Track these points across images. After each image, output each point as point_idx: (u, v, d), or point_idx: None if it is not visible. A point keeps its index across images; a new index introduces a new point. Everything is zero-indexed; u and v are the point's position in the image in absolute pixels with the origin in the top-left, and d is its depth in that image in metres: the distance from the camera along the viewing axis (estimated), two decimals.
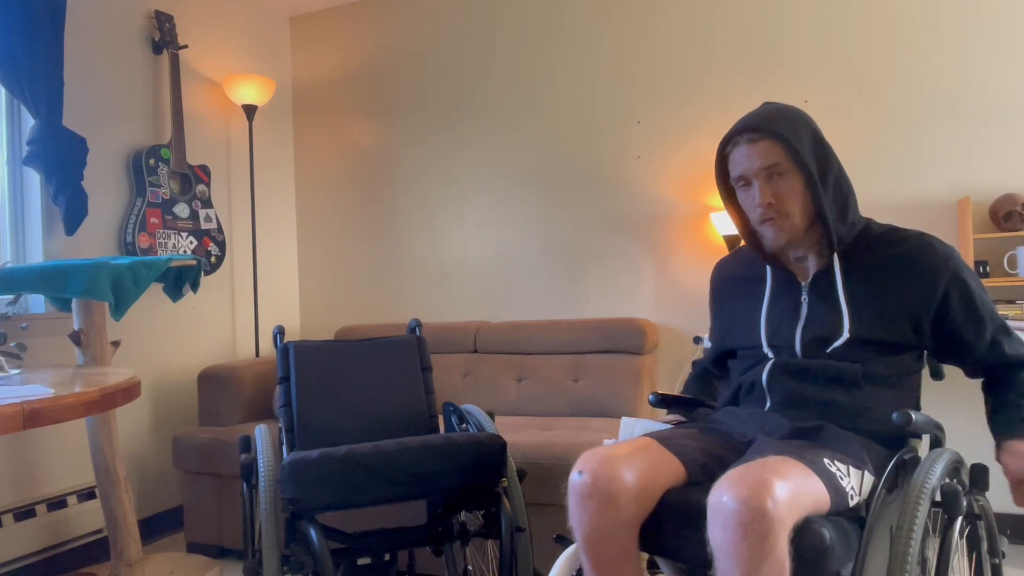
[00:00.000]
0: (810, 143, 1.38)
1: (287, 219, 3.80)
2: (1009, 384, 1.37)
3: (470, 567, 2.11)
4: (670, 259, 3.05)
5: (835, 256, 1.42)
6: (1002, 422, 1.35)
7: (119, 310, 2.15)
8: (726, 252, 2.89)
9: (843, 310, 1.39)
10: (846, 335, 1.37)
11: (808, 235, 1.42)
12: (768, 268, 1.52)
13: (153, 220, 2.93)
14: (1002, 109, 2.58)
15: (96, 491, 2.58)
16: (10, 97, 2.63)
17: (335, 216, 3.73)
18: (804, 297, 1.45)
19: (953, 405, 2.57)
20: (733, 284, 1.61)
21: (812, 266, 1.45)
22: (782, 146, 1.36)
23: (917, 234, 1.41)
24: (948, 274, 1.35)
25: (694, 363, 1.84)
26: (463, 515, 1.98)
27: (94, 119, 2.81)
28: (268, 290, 3.65)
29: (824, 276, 1.43)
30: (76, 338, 2.26)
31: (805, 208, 1.39)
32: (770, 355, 1.47)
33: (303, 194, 3.82)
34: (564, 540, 1.38)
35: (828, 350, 1.39)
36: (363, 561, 1.92)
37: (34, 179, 2.64)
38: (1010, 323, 2.31)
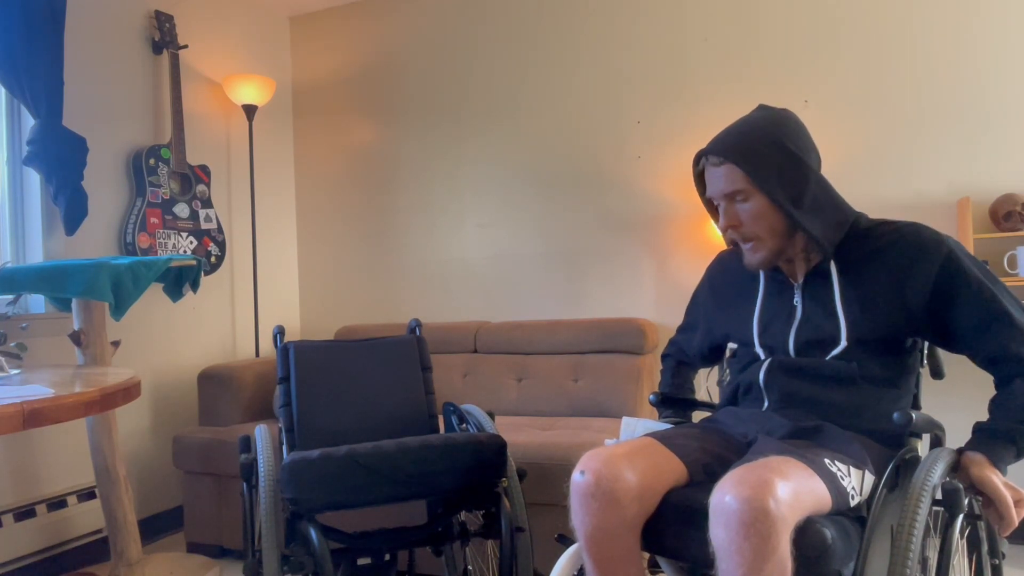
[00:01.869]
0: (778, 165, 1.33)
1: (287, 219, 3.80)
2: (1002, 394, 1.32)
3: (470, 567, 2.10)
4: (670, 259, 3.05)
5: (832, 263, 1.41)
6: (974, 435, 1.31)
7: (119, 310, 2.15)
8: None
9: (840, 317, 1.37)
10: (843, 343, 1.36)
11: (792, 244, 1.41)
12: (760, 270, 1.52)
13: (153, 220, 2.93)
14: (1002, 109, 2.58)
15: (96, 491, 2.58)
16: (10, 97, 2.63)
17: (335, 216, 3.73)
18: (797, 299, 1.44)
19: (953, 405, 2.57)
20: (732, 279, 1.60)
21: (802, 267, 1.44)
22: (744, 172, 1.34)
23: (907, 223, 1.39)
24: (939, 260, 1.32)
25: (663, 356, 1.83)
26: (463, 515, 1.98)
27: (94, 119, 2.80)
28: (268, 290, 3.65)
29: (816, 277, 1.42)
30: (76, 338, 2.26)
31: (774, 228, 1.37)
32: (762, 355, 1.47)
33: (303, 194, 3.82)
34: (566, 540, 1.38)
35: (827, 357, 1.38)
36: (363, 561, 1.92)
37: (34, 179, 2.64)
38: None
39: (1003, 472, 1.25)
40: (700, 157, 1.44)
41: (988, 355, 1.32)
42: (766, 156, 1.33)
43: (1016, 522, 1.22)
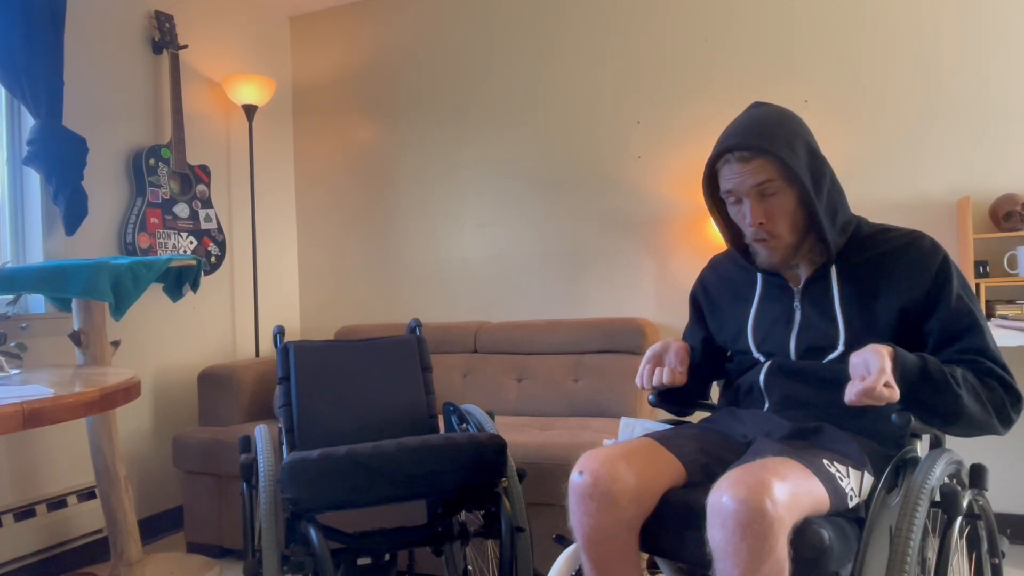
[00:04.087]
0: (806, 157, 1.33)
1: (287, 219, 3.80)
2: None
3: (470, 567, 2.11)
4: (670, 259, 3.05)
5: (832, 268, 1.40)
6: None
7: (119, 310, 2.15)
8: None
9: (839, 322, 1.37)
10: (841, 348, 1.36)
11: (800, 247, 1.40)
12: (759, 274, 1.51)
13: (153, 220, 2.93)
14: (1002, 109, 2.58)
15: (96, 491, 2.58)
16: (10, 97, 2.63)
17: (335, 216, 3.73)
18: (797, 303, 1.43)
19: None
20: (725, 284, 1.60)
21: (804, 272, 1.44)
22: (776, 164, 1.32)
23: (907, 232, 1.39)
24: (934, 269, 1.33)
25: None
26: (463, 515, 1.98)
27: (94, 119, 2.81)
28: (268, 290, 3.65)
29: (817, 282, 1.41)
30: (76, 338, 2.26)
31: (796, 225, 1.36)
32: (762, 360, 1.46)
33: (303, 194, 3.82)
34: (564, 540, 1.38)
35: (824, 361, 1.38)
36: (363, 561, 1.92)
37: (34, 179, 2.64)
38: (1009, 323, 2.31)
39: (896, 377, 1.18)
40: (716, 156, 1.38)
41: (950, 357, 1.29)
42: (795, 148, 1.32)
43: (874, 391, 1.13)
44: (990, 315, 2.45)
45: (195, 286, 2.47)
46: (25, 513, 2.44)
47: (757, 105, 1.42)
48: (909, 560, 1.07)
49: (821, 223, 1.33)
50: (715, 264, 1.66)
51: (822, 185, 1.35)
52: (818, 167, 1.35)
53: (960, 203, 2.58)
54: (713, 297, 1.63)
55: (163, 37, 3.02)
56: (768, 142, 1.31)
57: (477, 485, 1.77)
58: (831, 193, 1.36)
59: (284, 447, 2.00)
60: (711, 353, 1.67)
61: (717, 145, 1.38)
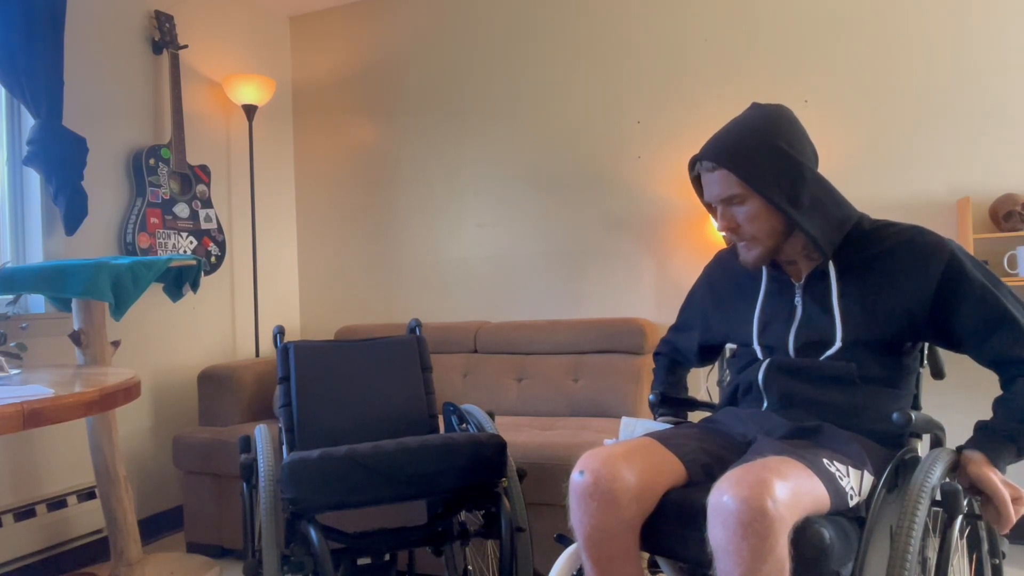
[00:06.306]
0: (773, 166, 1.32)
1: (287, 219, 3.80)
2: (1006, 394, 1.32)
3: (470, 567, 2.11)
4: (670, 259, 3.05)
5: (830, 262, 1.40)
6: (975, 433, 1.31)
7: (119, 310, 2.15)
8: None
9: (836, 317, 1.37)
10: (838, 344, 1.36)
11: (792, 243, 1.40)
12: (763, 268, 1.52)
13: (153, 220, 2.93)
14: (1001, 109, 2.58)
15: (96, 491, 2.58)
16: (10, 97, 2.63)
17: (335, 216, 3.73)
18: (798, 299, 1.44)
19: (953, 405, 2.57)
20: (732, 278, 1.60)
21: (804, 268, 1.44)
22: (738, 177, 1.34)
23: (909, 227, 1.38)
24: (942, 265, 1.32)
25: (656, 355, 1.82)
26: (463, 515, 1.98)
27: (94, 119, 2.81)
28: (268, 290, 3.65)
29: (818, 278, 1.42)
30: (76, 338, 2.26)
31: (773, 228, 1.37)
32: (760, 355, 1.47)
33: (303, 194, 3.82)
34: (565, 540, 1.38)
35: (821, 357, 1.38)
36: (363, 561, 1.92)
37: (34, 179, 2.64)
38: None
39: (1002, 471, 1.25)
40: (695, 162, 1.44)
41: (992, 358, 1.32)
42: (759, 158, 1.33)
43: (1014, 519, 1.23)
44: None
45: (195, 286, 2.47)
46: (25, 513, 2.44)
47: (753, 107, 1.42)
48: (910, 559, 1.07)
49: (802, 226, 1.33)
50: (721, 259, 1.67)
51: (800, 192, 1.33)
52: (791, 170, 1.33)
53: (960, 203, 2.58)
54: (718, 291, 1.63)
55: (163, 37, 3.02)
56: (728, 156, 1.34)
57: (477, 485, 1.77)
58: (816, 196, 1.35)
59: (284, 447, 2.01)
60: (702, 356, 1.71)
61: (692, 157, 1.44)
